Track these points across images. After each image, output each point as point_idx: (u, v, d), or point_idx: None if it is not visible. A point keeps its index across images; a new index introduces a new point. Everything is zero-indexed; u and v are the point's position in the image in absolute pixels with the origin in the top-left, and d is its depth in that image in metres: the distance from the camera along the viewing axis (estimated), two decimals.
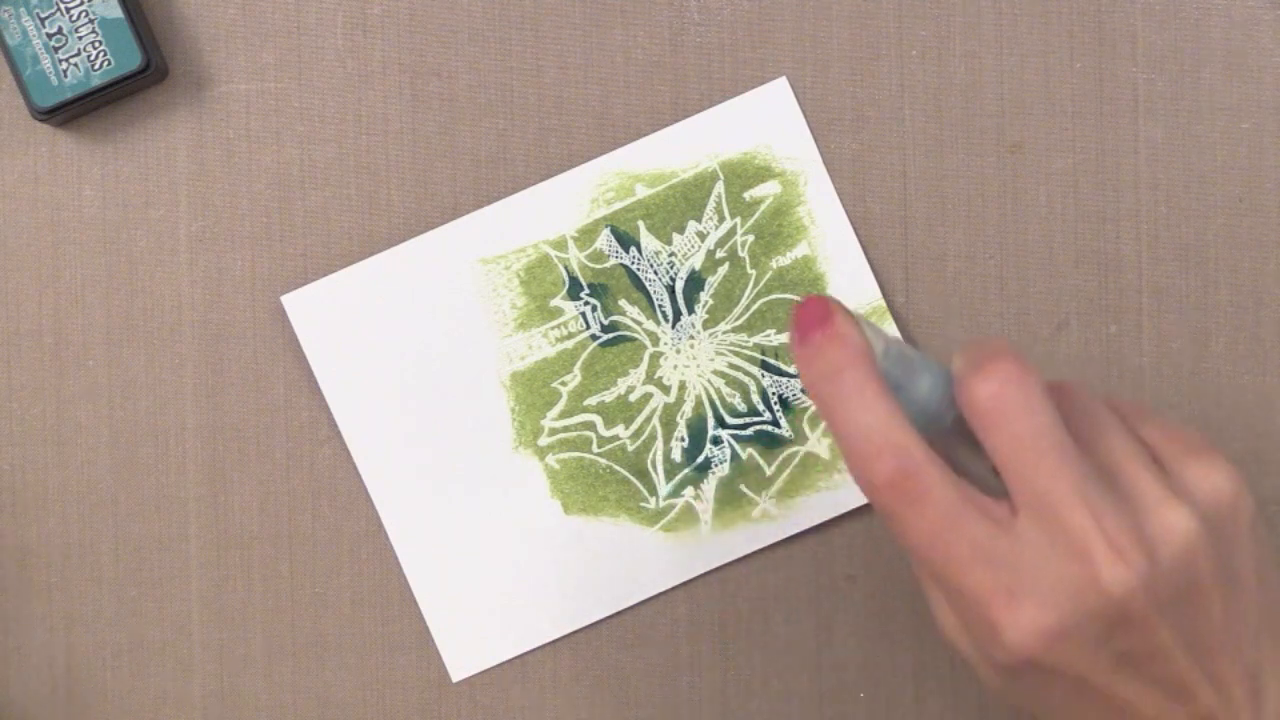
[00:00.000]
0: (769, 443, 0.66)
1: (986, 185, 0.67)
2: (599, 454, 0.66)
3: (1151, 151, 0.67)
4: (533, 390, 0.66)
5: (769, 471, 0.66)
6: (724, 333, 0.66)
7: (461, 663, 0.66)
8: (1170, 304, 0.67)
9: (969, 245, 0.67)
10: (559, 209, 0.66)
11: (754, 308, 0.66)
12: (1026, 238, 0.67)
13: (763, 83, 0.66)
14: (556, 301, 0.66)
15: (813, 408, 0.66)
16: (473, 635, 0.66)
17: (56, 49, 0.64)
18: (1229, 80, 0.67)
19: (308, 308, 0.66)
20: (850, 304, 0.66)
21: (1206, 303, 0.67)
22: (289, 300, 0.66)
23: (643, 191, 0.66)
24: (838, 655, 0.67)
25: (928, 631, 0.67)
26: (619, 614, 0.67)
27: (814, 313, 0.51)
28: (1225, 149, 0.67)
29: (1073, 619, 0.50)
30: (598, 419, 0.66)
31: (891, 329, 0.66)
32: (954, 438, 0.52)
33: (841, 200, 0.67)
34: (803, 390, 0.66)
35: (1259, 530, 0.53)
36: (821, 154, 0.66)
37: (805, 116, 0.66)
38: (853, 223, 0.67)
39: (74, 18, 0.64)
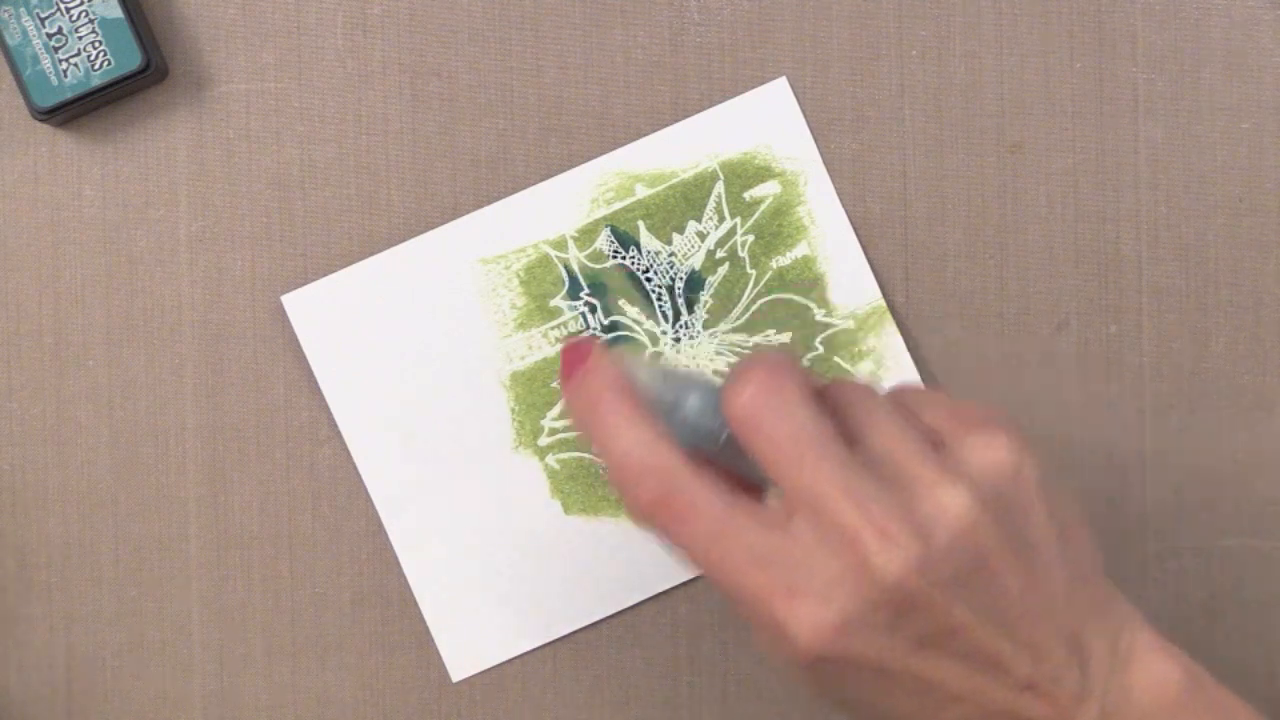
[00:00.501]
0: None
1: (986, 185, 0.67)
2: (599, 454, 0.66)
3: (1151, 151, 0.67)
4: (533, 390, 0.66)
5: None
6: (724, 333, 0.66)
7: (462, 663, 0.66)
8: (1170, 304, 0.67)
9: (969, 245, 0.67)
10: (559, 209, 0.66)
11: (754, 307, 0.66)
12: (1026, 238, 0.67)
13: (763, 83, 0.66)
14: (556, 301, 0.66)
15: None
16: (473, 635, 0.66)
17: (56, 49, 0.64)
18: (1229, 80, 0.67)
19: (308, 308, 0.66)
20: (850, 304, 0.66)
21: (1206, 303, 0.67)
22: (289, 300, 0.66)
23: (643, 191, 0.66)
24: None
25: None
26: (619, 614, 0.67)
27: (577, 352, 0.53)
28: (1225, 149, 0.67)
29: (852, 610, 0.50)
30: None
31: (891, 329, 0.66)
32: (733, 451, 0.52)
33: (841, 200, 0.67)
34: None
35: (1051, 491, 0.52)
36: (821, 154, 0.66)
37: (805, 116, 0.66)
38: (853, 223, 0.67)
39: (74, 18, 0.64)
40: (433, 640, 0.67)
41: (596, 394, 0.52)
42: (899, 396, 0.54)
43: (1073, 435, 0.67)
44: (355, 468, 0.66)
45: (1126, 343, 0.67)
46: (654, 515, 0.51)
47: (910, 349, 0.67)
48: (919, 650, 0.50)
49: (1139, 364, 0.67)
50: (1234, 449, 0.68)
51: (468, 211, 0.66)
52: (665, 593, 0.67)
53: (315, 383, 0.66)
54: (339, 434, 0.66)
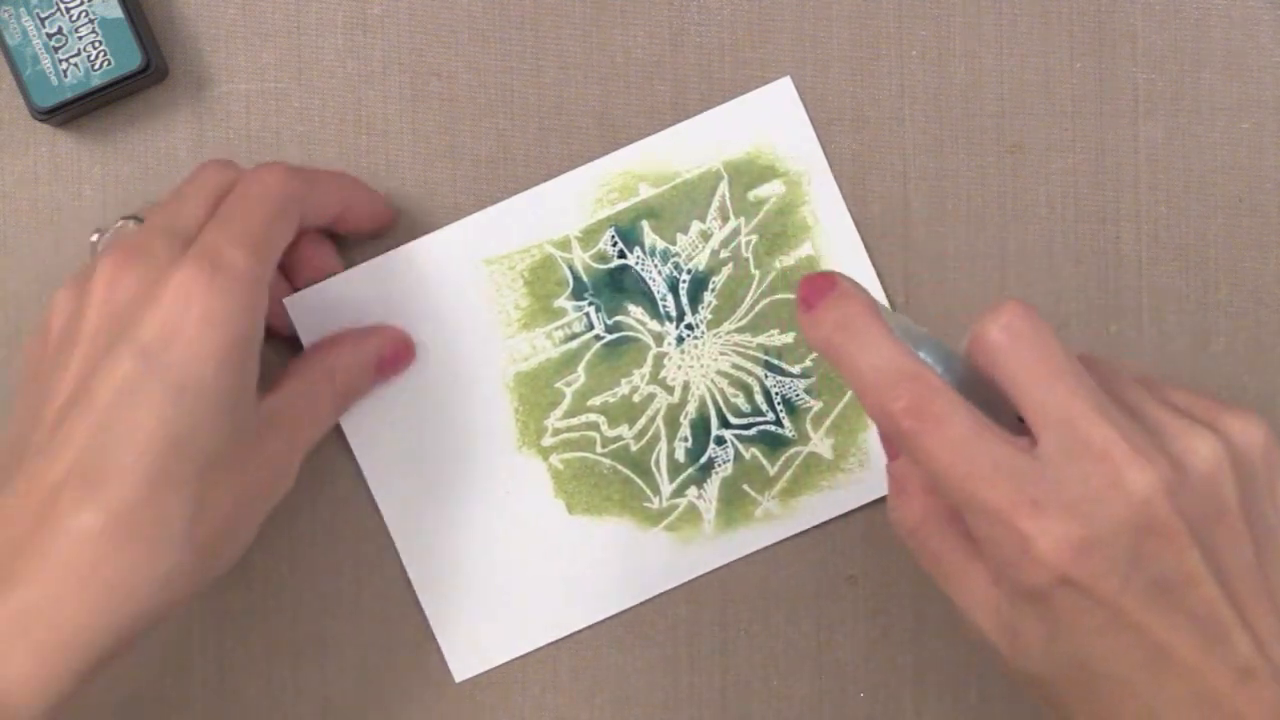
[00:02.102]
0: (772, 443, 0.66)
1: (986, 185, 0.67)
2: (602, 454, 0.66)
3: (1151, 151, 0.67)
4: (536, 390, 0.66)
5: (772, 471, 0.66)
6: (728, 333, 0.66)
7: (465, 663, 0.66)
8: (1170, 304, 0.67)
9: (969, 245, 0.67)
10: (563, 209, 0.66)
11: (758, 308, 0.66)
12: (1026, 238, 0.67)
13: (764, 82, 0.66)
14: (560, 302, 0.66)
15: (816, 407, 0.66)
16: (476, 635, 0.66)
17: (56, 49, 0.64)
18: (1229, 80, 0.67)
19: (308, 308, 0.66)
20: None
21: (1206, 303, 0.68)
22: (290, 301, 0.66)
23: (646, 191, 0.66)
24: (838, 655, 0.67)
25: (928, 631, 0.67)
26: (620, 614, 0.67)
27: (820, 281, 0.54)
28: (1225, 149, 0.67)
29: (1099, 526, 0.50)
30: (601, 419, 0.66)
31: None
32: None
33: (843, 200, 0.67)
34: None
35: None
36: (821, 150, 0.66)
37: (802, 107, 0.66)
38: (853, 221, 0.67)
39: (74, 18, 0.63)
40: (433, 640, 0.67)
41: (852, 313, 0.53)
42: (1144, 380, 0.54)
43: None
44: (357, 468, 0.66)
45: (1126, 343, 0.67)
46: (907, 422, 0.51)
47: None
48: (1152, 595, 0.50)
49: (1139, 364, 0.67)
50: None
51: (469, 211, 0.66)
52: (666, 593, 0.67)
53: None
54: (341, 435, 0.66)
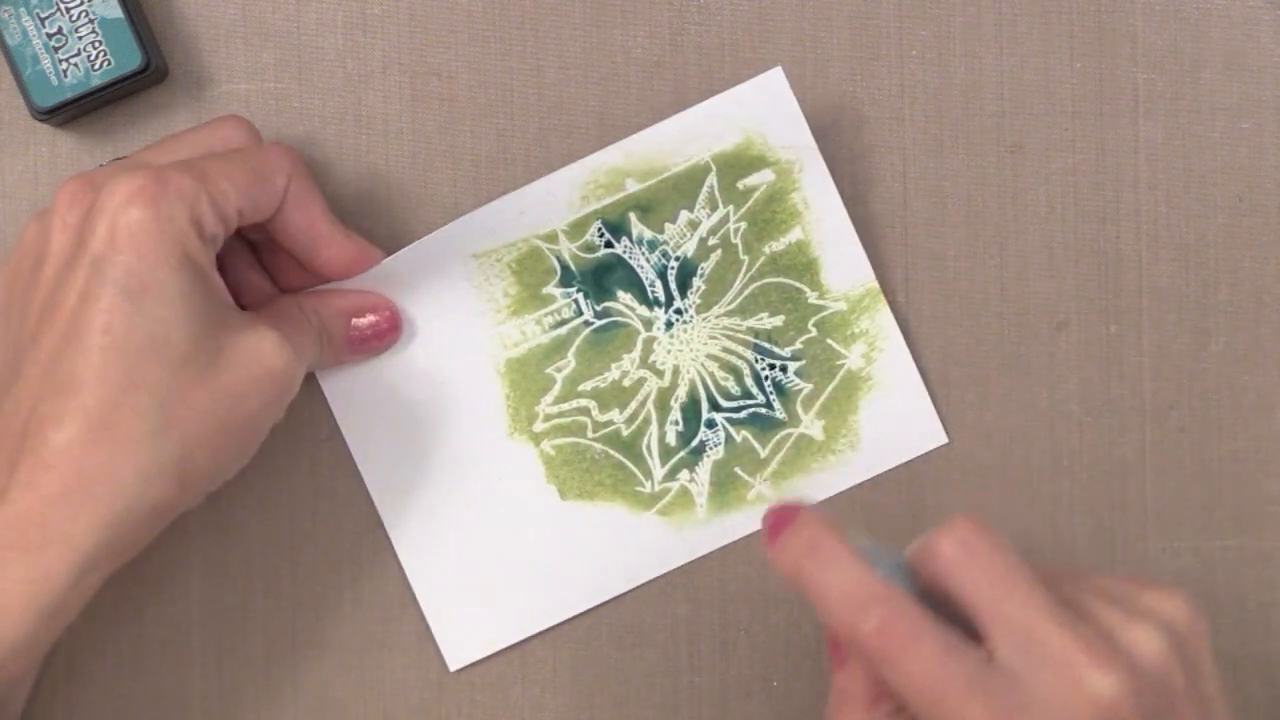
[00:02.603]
0: (763, 425, 0.66)
1: (986, 185, 0.67)
2: (594, 439, 0.66)
3: (1151, 151, 0.67)
4: (527, 377, 0.66)
5: (763, 454, 0.66)
6: (717, 316, 0.67)
7: (459, 652, 0.66)
8: (1170, 304, 0.67)
9: (969, 245, 0.67)
10: (550, 206, 0.66)
11: (747, 291, 0.67)
12: (1026, 238, 0.67)
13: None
14: (549, 289, 0.66)
15: (806, 389, 0.66)
16: (470, 624, 0.66)
17: (56, 49, 0.64)
18: (1229, 80, 0.67)
19: None
20: (845, 286, 0.66)
21: (1206, 303, 0.67)
22: None
23: (633, 186, 0.66)
24: None
25: None
26: (619, 613, 0.67)
27: (785, 510, 0.55)
28: (1225, 149, 0.67)
29: None
30: (592, 404, 0.66)
31: (884, 311, 0.67)
32: None
33: (841, 198, 0.67)
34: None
35: (1213, 659, 0.54)
36: (820, 149, 0.66)
37: (802, 107, 0.66)
38: (852, 220, 0.67)
39: (74, 18, 0.64)
40: (433, 640, 0.67)
41: (815, 538, 0.53)
42: (1074, 571, 0.56)
43: (1073, 435, 0.67)
44: (355, 467, 0.66)
45: (1126, 343, 0.67)
46: (877, 643, 0.52)
47: (910, 347, 0.67)
48: None
49: (1139, 364, 0.67)
50: (1234, 449, 0.68)
51: (468, 212, 0.66)
52: (665, 593, 0.67)
53: (315, 382, 0.66)
54: (339, 433, 0.66)
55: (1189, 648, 0.53)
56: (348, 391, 0.66)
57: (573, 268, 0.66)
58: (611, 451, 0.66)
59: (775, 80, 0.66)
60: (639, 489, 0.66)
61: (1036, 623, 0.51)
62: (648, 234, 0.66)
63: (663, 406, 0.66)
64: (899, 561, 0.54)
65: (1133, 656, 0.51)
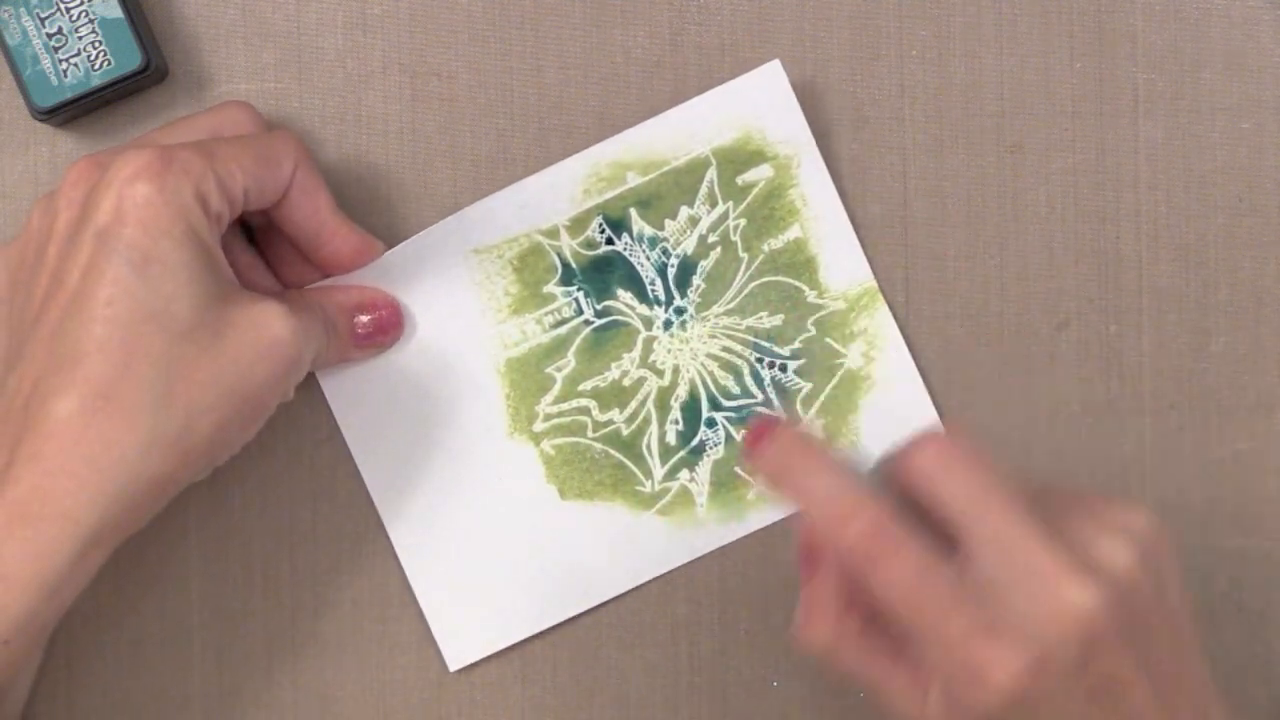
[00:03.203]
0: None
1: (986, 185, 0.67)
2: (594, 439, 0.66)
3: (1151, 151, 0.67)
4: (527, 376, 0.66)
5: None
6: (716, 316, 0.67)
7: (459, 652, 0.66)
8: (1170, 304, 0.67)
9: (969, 245, 0.67)
10: (551, 200, 0.66)
11: (746, 290, 0.67)
12: (1026, 238, 0.67)
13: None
14: (549, 288, 0.66)
15: (806, 389, 0.66)
16: (470, 624, 0.66)
17: (56, 49, 0.64)
18: (1229, 80, 0.67)
19: None
20: (843, 284, 0.66)
21: (1206, 303, 0.67)
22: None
23: (634, 180, 0.66)
24: None
25: None
26: (619, 613, 0.67)
27: (762, 422, 0.56)
28: (1225, 149, 0.67)
29: (1051, 646, 0.51)
30: (592, 404, 0.66)
31: (883, 310, 0.67)
32: None
33: (842, 201, 0.67)
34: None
35: (1178, 569, 0.55)
36: (820, 150, 0.66)
37: (802, 107, 0.66)
38: (852, 221, 0.67)
39: (74, 18, 0.64)
40: (433, 640, 0.67)
41: (797, 446, 0.55)
42: (1043, 489, 0.56)
43: (1073, 435, 0.67)
44: (355, 467, 0.66)
45: (1126, 343, 0.67)
46: (864, 546, 0.52)
47: (910, 347, 0.67)
48: (1094, 704, 0.51)
49: (1139, 364, 0.67)
50: (1234, 449, 0.68)
51: None
52: (665, 593, 0.67)
53: (315, 382, 0.66)
54: (339, 433, 0.66)
55: (1155, 559, 0.53)
56: (348, 391, 0.66)
57: (573, 265, 0.66)
58: (611, 451, 0.66)
59: (773, 73, 0.66)
60: (639, 488, 0.66)
61: (1015, 535, 0.52)
62: (648, 230, 0.66)
63: (663, 406, 0.66)
64: (874, 475, 0.55)
65: (1106, 569, 0.52)
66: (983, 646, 0.51)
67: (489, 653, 0.67)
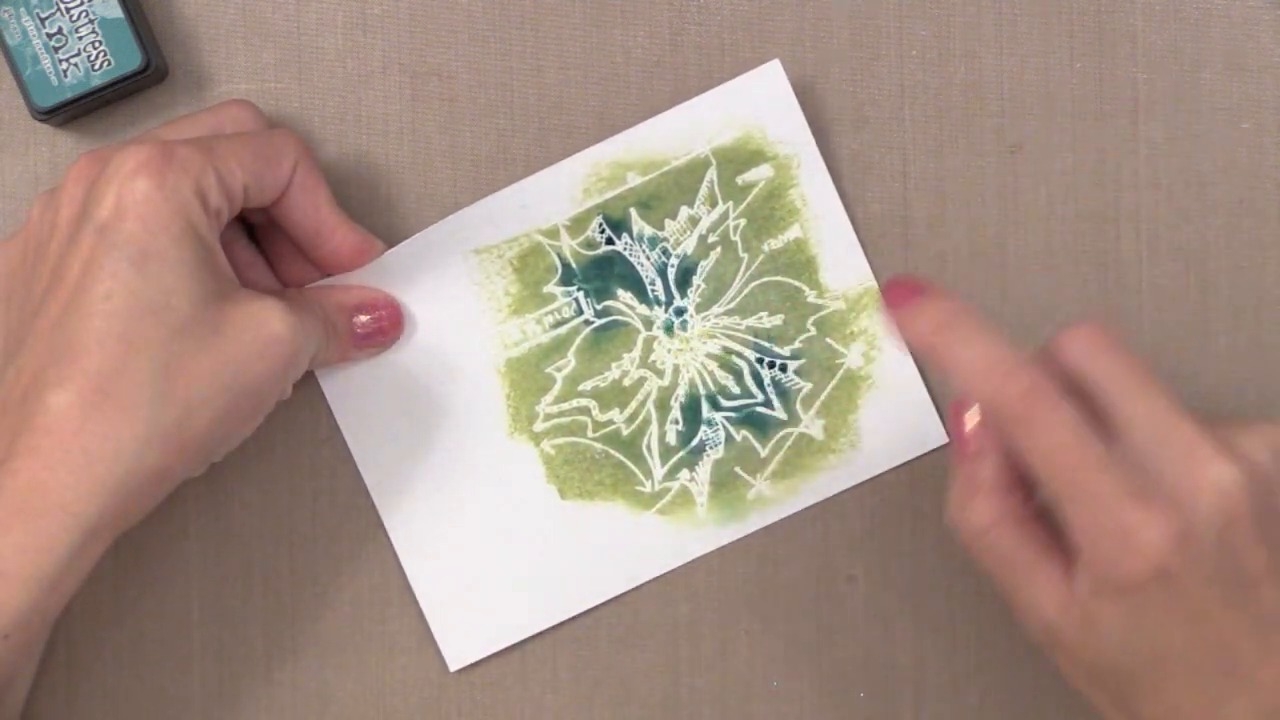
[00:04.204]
0: (763, 424, 0.66)
1: (986, 185, 0.67)
2: (594, 438, 0.66)
3: (1151, 151, 0.67)
4: (527, 376, 0.66)
5: (763, 453, 0.66)
6: (716, 316, 0.67)
7: (459, 652, 0.66)
8: (1170, 304, 0.67)
9: (969, 245, 0.67)
10: (551, 199, 0.66)
11: (746, 290, 0.67)
12: (1026, 238, 0.67)
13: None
14: (550, 288, 0.66)
15: (806, 389, 0.66)
16: (470, 624, 0.66)
17: (56, 49, 0.64)
18: (1229, 80, 0.67)
19: None
20: (843, 284, 0.67)
21: (1206, 303, 0.67)
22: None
23: (634, 180, 0.66)
24: (838, 655, 0.67)
25: (928, 631, 0.67)
26: (619, 613, 0.67)
27: (908, 284, 0.57)
28: (1225, 149, 0.67)
29: (1196, 518, 0.52)
30: (592, 403, 0.66)
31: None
32: None
33: (842, 200, 0.67)
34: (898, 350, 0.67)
35: None
36: (820, 150, 0.66)
37: (801, 105, 0.66)
38: (852, 220, 0.67)
39: (74, 18, 0.64)
40: (433, 640, 0.67)
41: (952, 313, 0.55)
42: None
43: None
44: (355, 467, 0.66)
45: (1126, 342, 0.67)
46: (1024, 409, 0.53)
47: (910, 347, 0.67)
48: (1229, 592, 0.52)
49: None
50: None
51: None
52: (665, 593, 0.67)
53: (315, 382, 0.66)
54: (339, 433, 0.66)
55: None
56: (348, 391, 0.66)
57: (573, 265, 0.66)
58: (611, 451, 0.66)
59: (773, 72, 0.66)
60: (639, 488, 0.66)
61: (1164, 413, 0.53)
62: (648, 230, 0.66)
63: (663, 406, 0.66)
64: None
65: (1248, 457, 0.53)
66: (1133, 509, 0.52)
67: (489, 653, 0.67)
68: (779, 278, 0.67)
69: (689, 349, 0.67)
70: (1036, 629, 0.55)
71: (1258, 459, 0.53)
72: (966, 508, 0.56)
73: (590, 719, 0.67)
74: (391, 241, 0.66)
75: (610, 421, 0.67)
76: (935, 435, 0.67)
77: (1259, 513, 0.52)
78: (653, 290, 0.66)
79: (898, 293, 0.56)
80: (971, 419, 0.56)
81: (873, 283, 0.67)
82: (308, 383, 0.66)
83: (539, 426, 0.67)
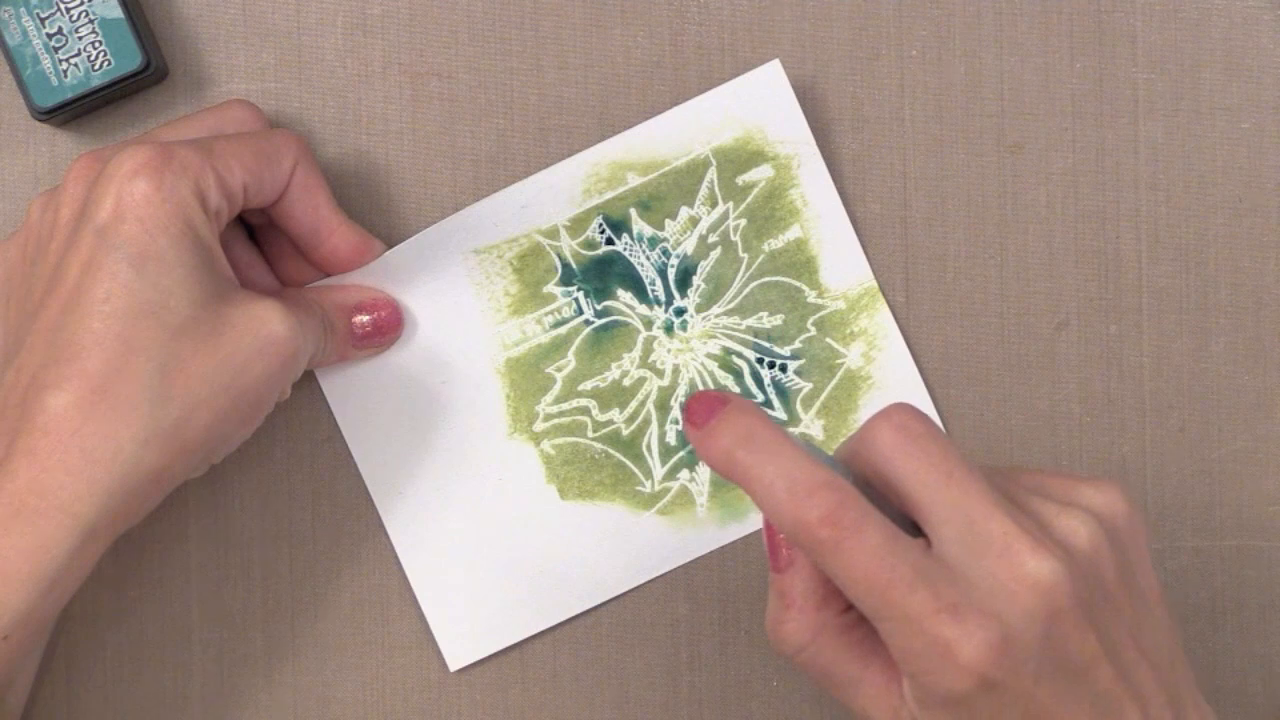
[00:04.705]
0: None
1: (986, 185, 0.67)
2: (594, 439, 0.66)
3: (1151, 151, 0.67)
4: (527, 376, 0.66)
5: None
6: (716, 316, 0.67)
7: (459, 652, 0.66)
8: (1170, 304, 0.67)
9: (969, 245, 0.67)
10: (551, 200, 0.66)
11: (746, 291, 0.67)
12: (1026, 238, 0.67)
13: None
14: (550, 288, 0.66)
15: (806, 389, 0.66)
16: (470, 624, 0.66)
17: (56, 49, 0.64)
18: (1229, 80, 0.67)
19: None
20: (844, 284, 0.66)
21: (1206, 303, 0.67)
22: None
23: (634, 180, 0.66)
24: None
25: None
26: (619, 613, 0.67)
27: (708, 400, 0.53)
28: (1225, 149, 0.67)
29: (1014, 621, 0.50)
30: (592, 403, 0.66)
31: (883, 310, 0.67)
32: None
33: (842, 201, 0.67)
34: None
35: (1148, 551, 0.54)
36: (820, 150, 0.66)
37: (802, 107, 0.66)
38: (852, 220, 0.67)
39: (74, 18, 0.64)
40: (432, 640, 0.66)
41: (752, 427, 0.52)
42: (1007, 469, 0.55)
43: (1073, 435, 0.67)
44: (355, 468, 0.66)
45: (1126, 343, 0.67)
46: (825, 531, 0.50)
47: (910, 347, 0.67)
48: (1060, 683, 0.51)
49: (1139, 364, 0.67)
50: (1234, 449, 0.68)
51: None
52: (665, 593, 0.67)
53: (315, 382, 0.66)
54: (339, 433, 0.66)
55: (1122, 537, 0.53)
56: (348, 391, 0.66)
57: (573, 266, 0.66)
58: (611, 451, 0.66)
59: (773, 73, 0.66)
60: (639, 489, 0.66)
61: (977, 510, 0.51)
62: (648, 231, 0.66)
63: (663, 406, 0.66)
64: (831, 458, 0.53)
65: (1067, 543, 0.51)
66: (948, 625, 0.50)
67: (489, 653, 0.67)
68: (779, 278, 0.67)
69: (689, 349, 0.67)
70: None
71: (1079, 540, 0.52)
72: (782, 623, 0.55)
73: (590, 719, 0.67)
74: (391, 241, 0.66)
75: (610, 421, 0.67)
76: None
77: (1083, 600, 0.51)
78: (653, 290, 0.66)
79: (698, 410, 0.53)
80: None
81: (873, 283, 0.67)
82: (308, 383, 0.66)
83: (539, 426, 0.67)
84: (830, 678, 0.54)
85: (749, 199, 0.66)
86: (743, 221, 0.66)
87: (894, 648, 0.51)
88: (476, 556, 0.66)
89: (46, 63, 0.64)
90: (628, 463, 0.66)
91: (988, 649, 0.50)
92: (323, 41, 0.67)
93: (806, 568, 0.54)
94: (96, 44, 0.64)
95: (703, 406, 0.53)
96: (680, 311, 0.66)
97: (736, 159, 0.66)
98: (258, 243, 0.65)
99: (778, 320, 0.67)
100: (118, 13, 0.64)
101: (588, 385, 0.66)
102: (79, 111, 0.65)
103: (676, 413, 0.67)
